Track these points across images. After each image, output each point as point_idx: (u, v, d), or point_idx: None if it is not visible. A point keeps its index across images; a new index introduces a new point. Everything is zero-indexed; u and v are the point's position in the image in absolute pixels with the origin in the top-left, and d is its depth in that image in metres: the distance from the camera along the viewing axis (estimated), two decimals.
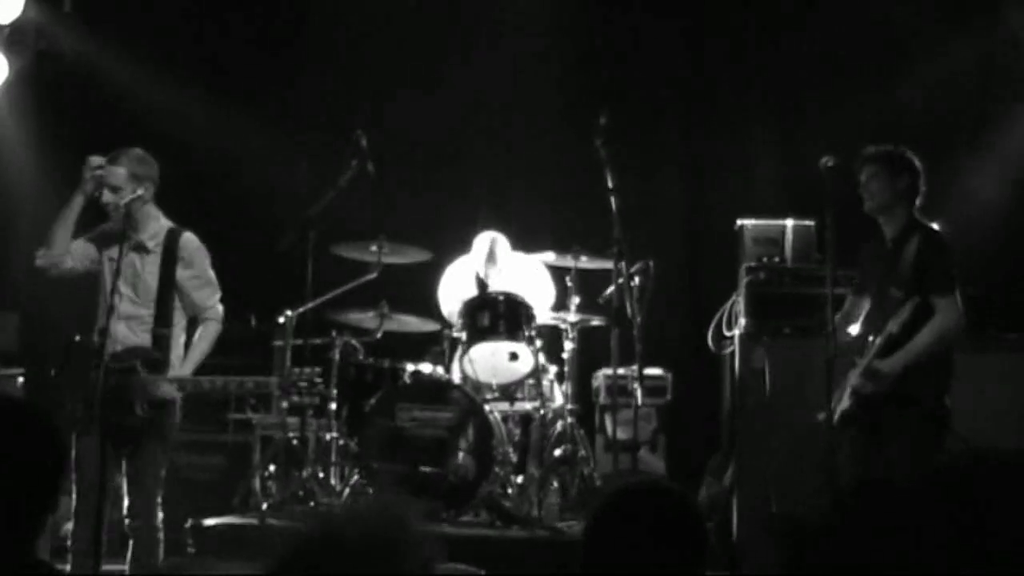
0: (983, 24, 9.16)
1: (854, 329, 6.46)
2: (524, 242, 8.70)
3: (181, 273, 6.26)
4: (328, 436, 8.05)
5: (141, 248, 6.25)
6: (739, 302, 7.87)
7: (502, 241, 8.67)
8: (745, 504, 7.55)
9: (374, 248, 8.10)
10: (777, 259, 7.84)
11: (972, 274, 8.53)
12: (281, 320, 7.74)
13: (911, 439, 6.09)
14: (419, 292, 8.72)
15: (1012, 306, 8.24)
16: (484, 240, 8.67)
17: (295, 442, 8.01)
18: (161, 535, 6.13)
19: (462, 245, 8.82)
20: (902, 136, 9.20)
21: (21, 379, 7.85)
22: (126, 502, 6.11)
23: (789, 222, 7.91)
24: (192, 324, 6.37)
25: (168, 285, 6.23)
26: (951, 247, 6.29)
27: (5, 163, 8.94)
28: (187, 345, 6.31)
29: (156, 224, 6.31)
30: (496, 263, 8.63)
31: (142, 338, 6.18)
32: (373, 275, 8.09)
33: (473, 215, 9.15)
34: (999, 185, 8.97)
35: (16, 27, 8.26)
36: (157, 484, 6.17)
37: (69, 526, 6.08)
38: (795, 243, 7.89)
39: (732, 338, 7.86)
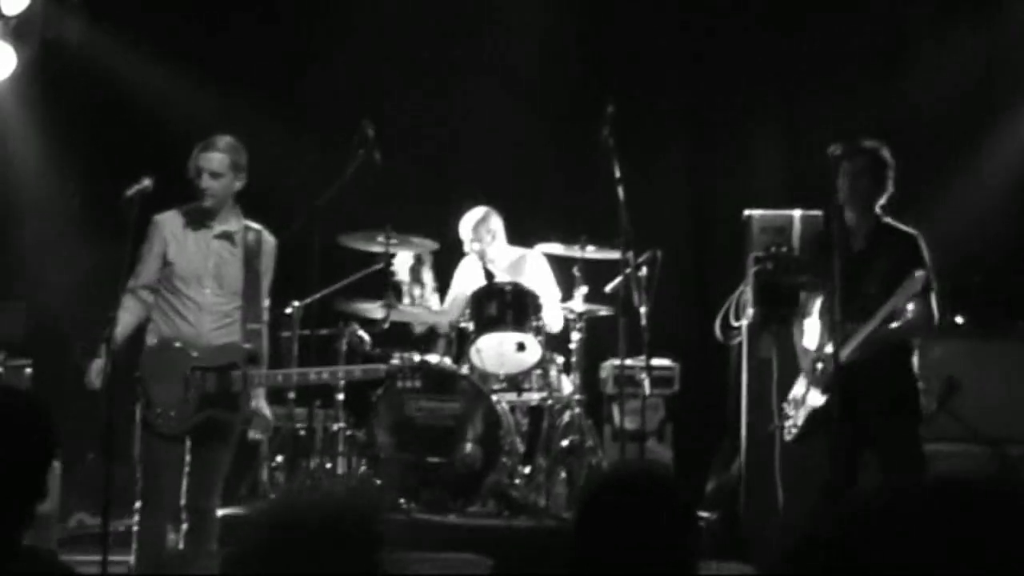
0: (988, 16, 9.14)
1: (809, 323, 6.52)
2: (530, 232, 8.69)
3: (261, 270, 6.30)
4: (335, 426, 8.05)
5: (229, 238, 6.26)
6: (747, 292, 7.86)
7: (495, 216, 8.63)
8: (752, 494, 7.56)
9: (381, 238, 8.09)
10: (784, 249, 7.83)
11: (979, 264, 8.56)
12: (288, 311, 7.72)
13: (900, 432, 6.15)
14: None
15: (1021, 295, 8.24)
16: (476, 213, 8.65)
17: (302, 433, 8.02)
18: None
19: None
20: (907, 125, 9.26)
21: (28, 370, 7.87)
22: (184, 487, 6.07)
23: (796, 212, 7.91)
24: None
25: (255, 280, 6.24)
26: (926, 248, 6.33)
27: (11, 154, 8.94)
28: None
29: (237, 217, 6.34)
30: (490, 233, 8.55)
31: (233, 335, 6.18)
32: (380, 265, 8.09)
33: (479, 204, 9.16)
34: (1006, 175, 8.95)
35: (23, 18, 8.25)
36: (224, 472, 6.24)
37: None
38: (803, 233, 7.88)
39: (740, 328, 7.86)
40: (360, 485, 7.40)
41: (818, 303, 6.52)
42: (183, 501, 6.07)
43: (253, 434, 6.21)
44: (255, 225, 6.38)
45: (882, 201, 6.35)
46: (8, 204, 9.01)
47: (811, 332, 6.51)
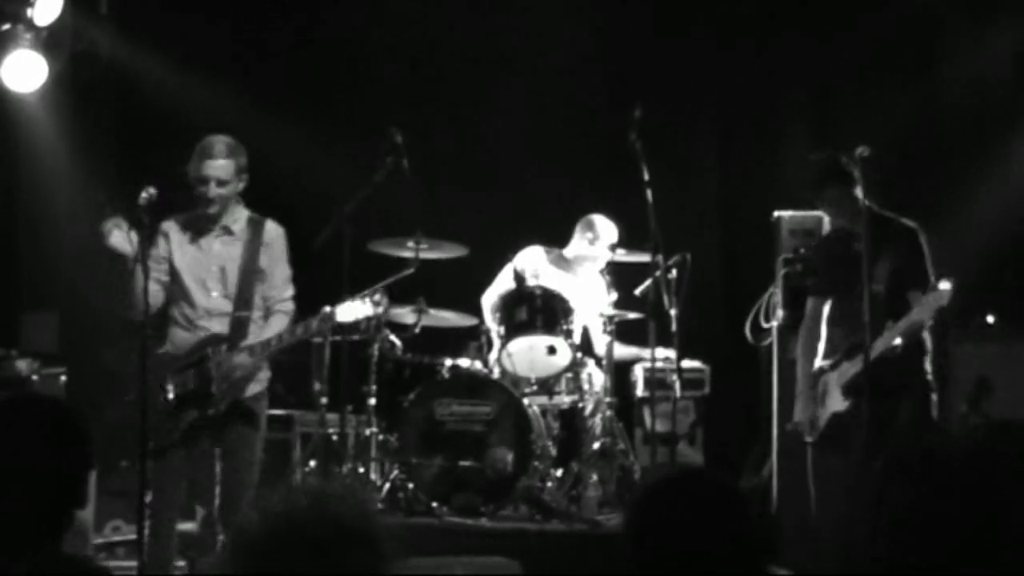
0: (1016, 17, 9.11)
1: (823, 331, 6.64)
2: (561, 236, 8.70)
3: (263, 260, 6.23)
4: (367, 432, 8.07)
5: (227, 231, 6.23)
6: (776, 294, 7.86)
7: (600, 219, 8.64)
8: (784, 496, 7.54)
9: (411, 244, 8.10)
10: None
11: (1011, 262, 8.52)
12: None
13: (914, 413, 6.19)
14: (456, 287, 8.71)
15: None
16: (589, 223, 8.64)
17: (334, 438, 8.03)
18: None
19: (499, 240, 8.82)
20: (938, 123, 9.24)
21: (63, 378, 7.92)
22: (217, 501, 6.09)
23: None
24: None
25: (250, 270, 6.18)
26: (926, 241, 6.36)
27: (42, 164, 8.99)
28: None
29: (239, 211, 6.30)
30: (599, 239, 8.54)
31: (222, 327, 6.14)
32: (410, 271, 8.09)
33: (508, 210, 9.16)
34: None
35: (53, 29, 8.30)
36: (254, 476, 6.15)
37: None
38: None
39: (770, 330, 7.85)
40: (353, 485, 7.39)
41: (826, 310, 6.62)
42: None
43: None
44: (256, 216, 6.33)
45: (863, 199, 6.28)
46: (39, 213, 9.07)
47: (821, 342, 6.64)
